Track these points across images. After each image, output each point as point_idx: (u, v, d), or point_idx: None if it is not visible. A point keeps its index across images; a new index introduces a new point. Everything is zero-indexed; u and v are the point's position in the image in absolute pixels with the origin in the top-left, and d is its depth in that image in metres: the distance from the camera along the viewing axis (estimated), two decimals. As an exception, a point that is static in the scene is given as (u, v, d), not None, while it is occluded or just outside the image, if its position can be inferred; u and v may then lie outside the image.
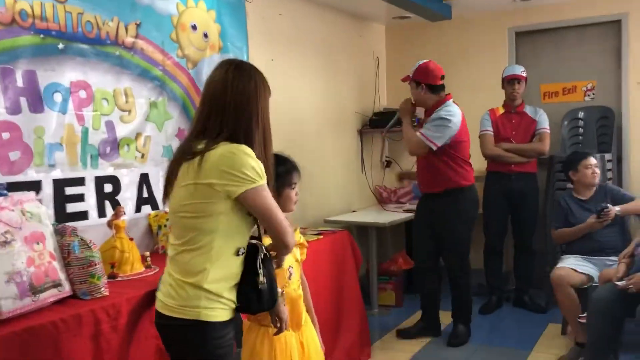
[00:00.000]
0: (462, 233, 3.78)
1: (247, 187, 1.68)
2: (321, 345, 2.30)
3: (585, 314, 3.16)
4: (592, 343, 3.02)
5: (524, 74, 4.41)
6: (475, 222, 3.90)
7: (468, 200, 3.75)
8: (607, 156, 4.41)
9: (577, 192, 3.81)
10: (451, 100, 3.70)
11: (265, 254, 1.79)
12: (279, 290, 1.90)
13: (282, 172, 2.11)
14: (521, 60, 5.04)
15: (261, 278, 1.75)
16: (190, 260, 1.73)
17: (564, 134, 4.72)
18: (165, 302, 1.76)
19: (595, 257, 3.58)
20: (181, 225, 1.77)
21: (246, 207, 1.73)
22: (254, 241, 1.82)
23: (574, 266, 3.51)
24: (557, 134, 4.71)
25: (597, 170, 3.71)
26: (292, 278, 2.15)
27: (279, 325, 1.95)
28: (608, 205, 3.52)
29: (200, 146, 1.73)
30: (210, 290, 1.71)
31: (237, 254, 1.76)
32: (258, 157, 1.74)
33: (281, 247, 1.83)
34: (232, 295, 1.76)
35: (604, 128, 4.65)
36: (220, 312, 1.73)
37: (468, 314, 3.92)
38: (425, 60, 3.80)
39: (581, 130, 4.71)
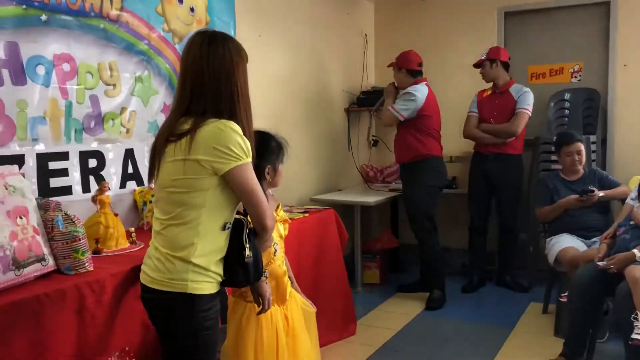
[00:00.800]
0: (423, 199, 4.19)
1: (234, 164, 1.69)
2: (312, 305, 2.33)
3: (566, 293, 3.22)
4: (571, 321, 3.07)
5: (484, 57, 4.43)
6: (439, 192, 4.32)
7: (430, 170, 4.20)
8: (592, 138, 4.44)
9: (564, 173, 3.85)
10: (423, 83, 4.22)
11: (250, 229, 1.82)
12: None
13: (275, 148, 2.12)
14: (509, 40, 5.04)
15: (247, 252, 1.77)
16: (177, 235, 1.75)
17: (550, 115, 4.74)
18: (152, 275, 1.78)
19: (579, 237, 3.62)
20: (169, 200, 1.78)
21: (230, 184, 1.73)
22: (239, 216, 1.82)
23: (573, 244, 3.53)
24: (544, 115, 4.73)
25: (578, 157, 3.74)
26: (276, 254, 2.16)
27: (262, 304, 1.96)
28: (594, 188, 3.57)
29: (186, 126, 1.73)
30: (198, 264, 1.73)
31: (224, 228, 1.78)
32: (245, 132, 1.75)
33: (259, 229, 1.83)
34: (219, 269, 1.79)
35: (589, 110, 4.68)
36: (207, 285, 1.76)
37: (441, 278, 4.29)
38: (407, 50, 4.31)
39: (567, 112, 4.74)
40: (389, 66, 4.35)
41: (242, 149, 1.71)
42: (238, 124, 1.75)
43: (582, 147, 3.76)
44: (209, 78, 1.75)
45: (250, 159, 1.74)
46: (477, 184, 4.54)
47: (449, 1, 5.14)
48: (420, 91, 4.12)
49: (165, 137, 1.77)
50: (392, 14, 5.47)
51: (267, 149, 2.11)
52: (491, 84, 4.52)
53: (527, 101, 4.34)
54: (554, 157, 4.33)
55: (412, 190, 4.25)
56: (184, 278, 1.73)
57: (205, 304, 1.76)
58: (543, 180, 3.96)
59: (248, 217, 1.84)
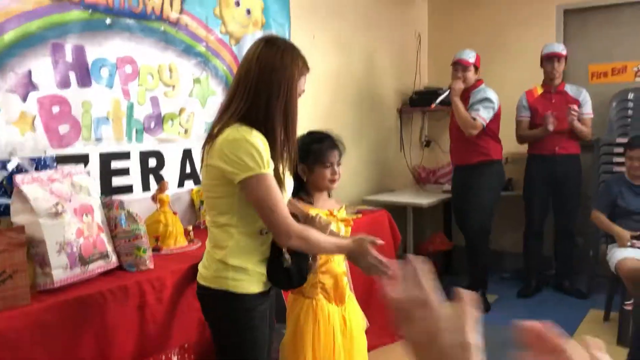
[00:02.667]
0: (488, 203, 4.17)
1: (245, 174, 1.64)
2: (366, 321, 2.31)
3: (631, 301, 3.09)
4: (637, 330, 2.95)
5: (564, 52, 4.28)
6: (499, 194, 4.28)
7: (495, 173, 4.19)
8: (658, 140, 4.25)
9: (629, 176, 3.70)
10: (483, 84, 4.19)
11: None
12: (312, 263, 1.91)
13: (316, 150, 2.13)
14: (569, 38, 4.88)
15: (286, 256, 1.76)
16: (216, 236, 1.78)
17: (611, 116, 4.56)
18: (201, 272, 1.83)
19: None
20: (207, 203, 1.83)
21: (245, 194, 1.68)
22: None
23: (634, 254, 3.40)
24: (605, 116, 4.56)
25: (639, 163, 3.59)
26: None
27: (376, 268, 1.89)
28: None
29: (215, 130, 1.73)
30: (235, 265, 1.74)
31: (261, 233, 1.77)
32: (277, 137, 1.71)
33: (279, 244, 1.76)
34: (261, 269, 1.78)
35: (655, 110, 4.48)
36: (247, 284, 1.75)
37: (486, 282, 4.30)
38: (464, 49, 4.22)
39: (630, 112, 4.54)
40: (466, 64, 4.09)
41: (255, 160, 1.63)
42: (271, 130, 1.70)
43: None
44: (254, 75, 1.72)
45: (266, 170, 1.66)
46: (537, 186, 4.40)
47: (505, -1, 5.02)
48: (494, 95, 4.07)
49: (205, 140, 1.79)
50: (446, 13, 5.38)
51: (302, 148, 2.11)
52: (539, 83, 4.40)
53: (591, 105, 4.30)
54: (616, 160, 4.18)
55: (478, 193, 4.14)
56: (225, 276, 1.74)
57: (248, 303, 1.76)
58: (607, 184, 3.82)
59: (306, 212, 1.85)
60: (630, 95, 4.55)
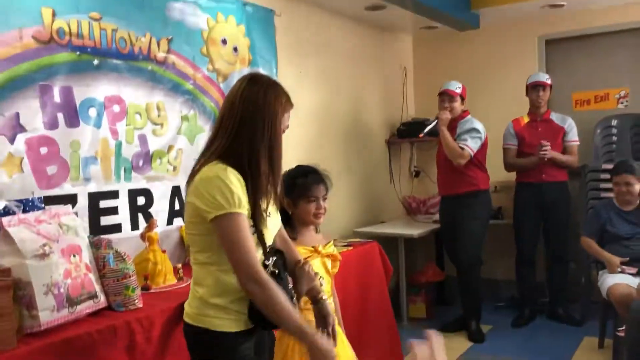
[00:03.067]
0: (478, 232, 4.21)
1: (214, 213, 1.63)
2: (353, 354, 2.29)
3: (624, 327, 3.08)
4: (630, 356, 2.94)
5: (549, 81, 4.37)
6: (488, 224, 4.31)
7: (484, 202, 4.24)
8: (643, 165, 4.30)
9: (617, 202, 3.74)
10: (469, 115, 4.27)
11: (274, 271, 1.72)
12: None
13: (300, 184, 2.14)
14: (551, 68, 4.98)
15: None
16: (197, 273, 1.77)
17: (596, 142, 4.63)
18: (186, 309, 1.81)
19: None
20: (188, 240, 1.83)
21: (216, 233, 1.66)
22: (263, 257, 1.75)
23: (624, 280, 3.40)
24: (590, 143, 4.62)
25: (626, 188, 3.63)
26: (322, 289, 2.15)
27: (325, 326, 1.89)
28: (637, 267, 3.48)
29: (197, 167, 1.74)
30: (214, 303, 1.71)
31: None
32: (261, 173, 1.70)
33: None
34: (241, 307, 1.72)
35: (638, 136, 4.55)
36: (227, 322, 1.72)
37: (480, 311, 4.30)
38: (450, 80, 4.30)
39: (614, 138, 4.62)
40: (454, 95, 4.14)
41: (226, 198, 1.62)
42: (254, 166, 1.69)
43: (631, 178, 3.62)
44: (237, 111, 1.71)
45: (237, 209, 1.63)
46: (527, 214, 4.42)
47: (486, 32, 5.13)
48: (480, 125, 4.14)
49: (188, 177, 1.78)
50: (431, 46, 5.49)
51: (286, 182, 2.11)
52: (525, 112, 4.47)
53: (576, 132, 4.37)
54: (603, 186, 4.22)
55: (467, 224, 4.17)
56: (206, 314, 1.72)
57: (229, 342, 1.71)
58: (596, 209, 3.85)
59: (273, 259, 1.76)
60: (614, 122, 4.64)
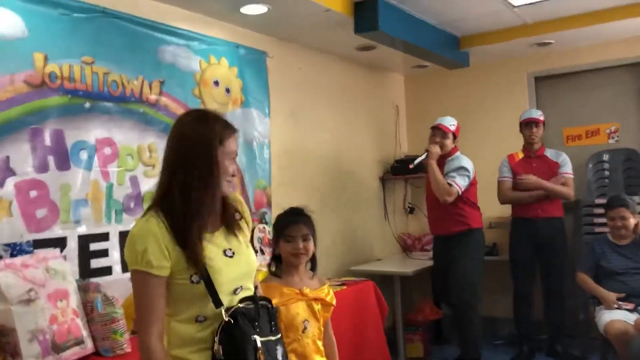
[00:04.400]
0: (474, 272, 4.06)
1: (129, 267, 1.59)
2: None
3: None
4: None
5: (542, 117, 4.40)
6: (482, 263, 4.16)
7: (479, 241, 4.13)
8: (636, 199, 4.31)
9: (612, 236, 3.73)
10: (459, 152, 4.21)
11: (228, 322, 1.59)
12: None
13: (279, 225, 2.18)
14: (542, 104, 5.03)
15: (216, 346, 1.59)
16: (165, 325, 1.68)
17: (589, 177, 4.65)
18: None
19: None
20: None
21: None
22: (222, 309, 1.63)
23: (620, 317, 3.37)
24: (583, 178, 4.64)
25: (622, 222, 3.63)
26: (306, 332, 2.12)
27: None
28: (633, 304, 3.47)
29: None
30: (175, 356, 1.63)
31: (197, 320, 1.64)
32: (201, 212, 1.60)
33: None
34: (202, 358, 1.62)
35: (630, 170, 4.57)
36: None
37: (479, 351, 4.13)
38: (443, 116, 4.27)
39: (607, 172, 4.64)
40: (447, 131, 4.10)
41: (134, 255, 1.55)
42: (189, 209, 1.59)
43: (626, 212, 3.63)
44: (172, 155, 1.63)
45: (142, 268, 1.55)
46: (523, 250, 4.38)
47: (477, 70, 5.20)
48: (469, 163, 4.07)
49: None
50: (422, 84, 5.56)
51: (274, 224, 2.15)
52: (517, 148, 4.49)
53: (570, 166, 4.33)
54: (597, 221, 4.21)
55: (460, 264, 4.02)
56: None
57: None
58: (590, 245, 3.84)
59: (234, 307, 1.63)
60: (606, 157, 4.66)
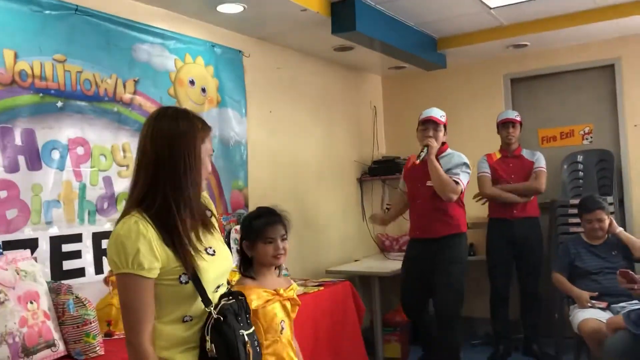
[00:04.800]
0: (460, 279, 3.81)
1: (114, 272, 1.56)
2: None
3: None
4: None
5: (518, 118, 4.44)
6: (467, 265, 3.94)
7: (464, 244, 3.90)
8: (609, 199, 4.38)
9: (586, 237, 3.77)
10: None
11: (217, 318, 1.59)
12: None
13: (256, 227, 2.10)
14: (517, 106, 5.08)
15: (209, 345, 1.59)
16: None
17: (564, 177, 4.71)
18: None
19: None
20: None
21: None
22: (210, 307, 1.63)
23: (594, 315, 3.40)
24: (558, 178, 4.70)
25: (599, 225, 3.68)
26: (283, 332, 2.10)
27: None
28: (606, 302, 3.50)
29: (119, 217, 1.64)
30: (163, 357, 1.61)
31: (184, 320, 1.63)
32: (188, 212, 1.58)
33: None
34: (190, 357, 1.62)
35: (603, 171, 4.64)
36: None
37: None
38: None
39: (581, 173, 4.71)
40: (439, 123, 3.81)
41: (120, 257, 1.51)
42: (178, 209, 1.56)
43: (602, 214, 3.68)
44: (150, 155, 1.57)
45: (130, 270, 1.51)
46: (500, 251, 4.41)
47: (454, 71, 5.24)
48: (467, 159, 3.84)
49: None
50: (399, 85, 5.58)
51: (243, 225, 2.08)
52: (494, 149, 4.53)
53: (544, 161, 4.38)
54: (572, 220, 4.27)
55: (448, 270, 3.75)
56: None
57: None
58: (565, 245, 3.88)
59: (221, 304, 1.63)
60: (580, 158, 4.73)
